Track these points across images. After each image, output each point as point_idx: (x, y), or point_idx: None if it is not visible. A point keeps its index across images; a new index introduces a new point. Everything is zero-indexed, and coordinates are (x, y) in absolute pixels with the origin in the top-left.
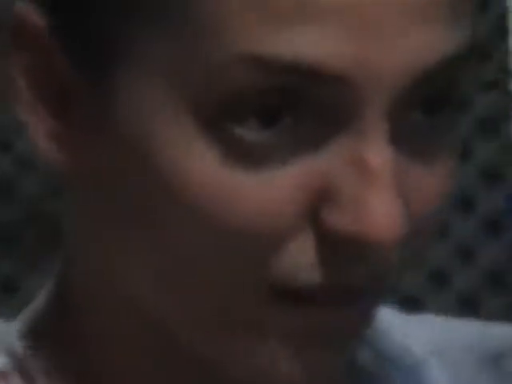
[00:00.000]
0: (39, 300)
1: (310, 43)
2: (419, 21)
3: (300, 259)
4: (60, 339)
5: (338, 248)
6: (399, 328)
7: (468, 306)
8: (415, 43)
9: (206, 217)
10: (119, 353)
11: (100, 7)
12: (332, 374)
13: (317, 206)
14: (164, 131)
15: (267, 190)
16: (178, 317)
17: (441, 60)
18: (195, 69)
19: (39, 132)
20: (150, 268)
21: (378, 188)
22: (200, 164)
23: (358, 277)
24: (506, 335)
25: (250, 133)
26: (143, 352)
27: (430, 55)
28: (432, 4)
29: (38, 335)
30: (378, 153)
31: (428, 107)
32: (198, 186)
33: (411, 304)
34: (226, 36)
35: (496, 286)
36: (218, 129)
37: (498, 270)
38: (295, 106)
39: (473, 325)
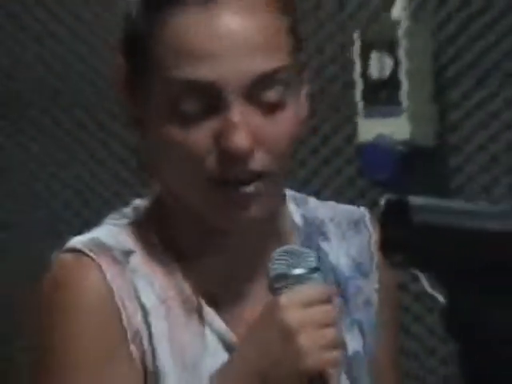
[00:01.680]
0: (140, 204)
1: (200, 72)
2: (249, 52)
3: (214, 163)
4: (158, 228)
5: (228, 157)
6: (311, 203)
7: None
8: (247, 63)
9: (174, 150)
10: (187, 233)
11: (151, 70)
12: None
13: (217, 139)
14: (162, 120)
15: (195, 137)
16: (188, 201)
17: (263, 72)
18: (162, 89)
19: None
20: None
21: (237, 130)
22: (172, 129)
23: (239, 172)
24: (352, 210)
25: (188, 111)
26: (196, 229)
27: (256, 69)
28: (252, 45)
29: (144, 226)
30: (237, 115)
31: (267, 88)
32: (172, 139)
33: None
34: (167, 70)
35: None
36: (175, 111)
37: None
38: (202, 99)
39: (332, 203)
